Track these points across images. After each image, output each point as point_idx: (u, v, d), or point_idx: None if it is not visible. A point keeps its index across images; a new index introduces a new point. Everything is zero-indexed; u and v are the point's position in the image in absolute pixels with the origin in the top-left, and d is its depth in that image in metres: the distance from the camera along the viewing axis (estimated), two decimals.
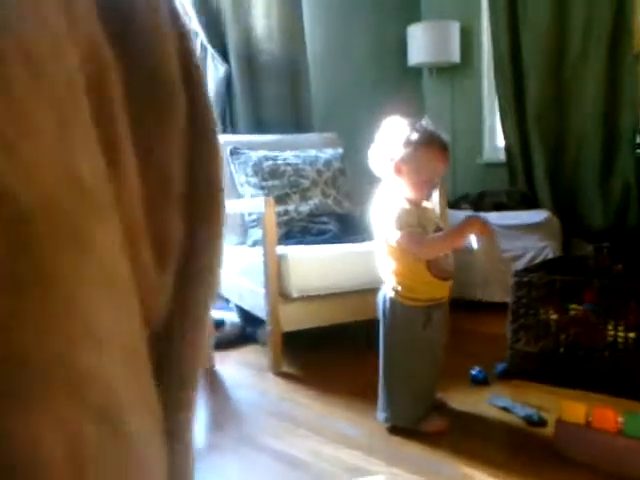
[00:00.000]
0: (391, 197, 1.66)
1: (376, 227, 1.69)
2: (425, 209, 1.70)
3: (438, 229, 1.67)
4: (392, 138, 1.64)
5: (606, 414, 1.44)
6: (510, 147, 3.62)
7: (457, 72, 3.99)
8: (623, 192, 3.24)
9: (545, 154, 3.46)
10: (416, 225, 1.59)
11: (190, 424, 0.45)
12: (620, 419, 1.43)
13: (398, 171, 1.63)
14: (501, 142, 3.80)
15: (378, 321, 1.74)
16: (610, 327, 1.92)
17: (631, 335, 1.88)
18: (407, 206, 1.62)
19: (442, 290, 1.67)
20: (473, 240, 1.60)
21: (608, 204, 3.30)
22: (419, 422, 1.67)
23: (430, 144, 1.61)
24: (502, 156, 3.73)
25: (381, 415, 1.71)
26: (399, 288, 1.65)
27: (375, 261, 1.71)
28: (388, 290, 1.69)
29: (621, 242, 3.03)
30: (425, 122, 1.65)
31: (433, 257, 1.62)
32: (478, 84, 3.96)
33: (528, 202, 3.37)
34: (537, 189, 3.50)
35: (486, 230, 1.58)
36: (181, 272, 0.42)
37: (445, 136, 1.65)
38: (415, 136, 1.61)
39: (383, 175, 1.69)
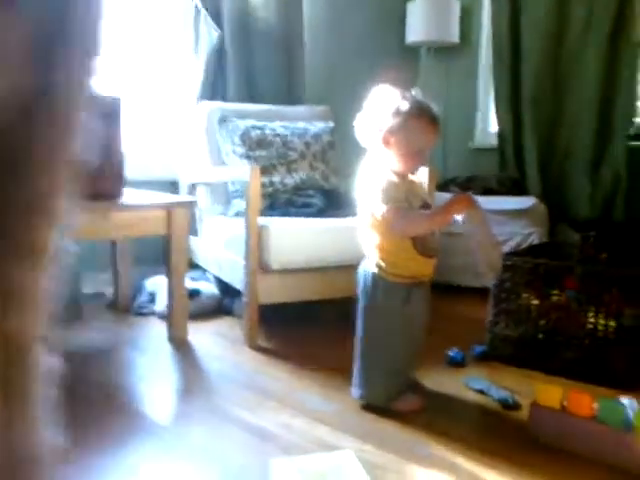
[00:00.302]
0: (377, 169, 1.61)
1: (361, 199, 1.64)
2: (412, 182, 1.66)
3: (425, 205, 1.63)
4: (381, 108, 1.59)
5: (581, 399, 1.42)
6: (503, 131, 3.58)
7: (455, 53, 3.93)
8: (613, 183, 3.21)
9: (537, 140, 3.42)
10: (403, 200, 1.55)
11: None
12: (595, 405, 1.41)
13: (386, 142, 1.58)
14: (494, 127, 3.76)
15: (356, 300, 1.70)
16: (591, 315, 1.90)
17: (611, 324, 1.86)
18: (394, 179, 1.58)
19: (426, 268, 1.63)
20: (460, 219, 1.56)
21: (597, 194, 3.27)
22: (393, 400, 1.65)
23: (420, 115, 1.56)
24: (494, 141, 3.69)
25: (355, 391, 1.68)
26: (382, 264, 1.61)
27: (358, 237, 1.67)
28: (370, 265, 1.65)
29: (607, 233, 3.01)
30: (415, 92, 1.60)
31: (417, 235, 1.58)
32: (475, 66, 3.91)
33: (517, 188, 3.34)
34: (527, 175, 3.46)
35: (474, 209, 1.54)
36: None
37: (435, 107, 1.60)
38: (405, 106, 1.56)
39: (370, 146, 1.64)
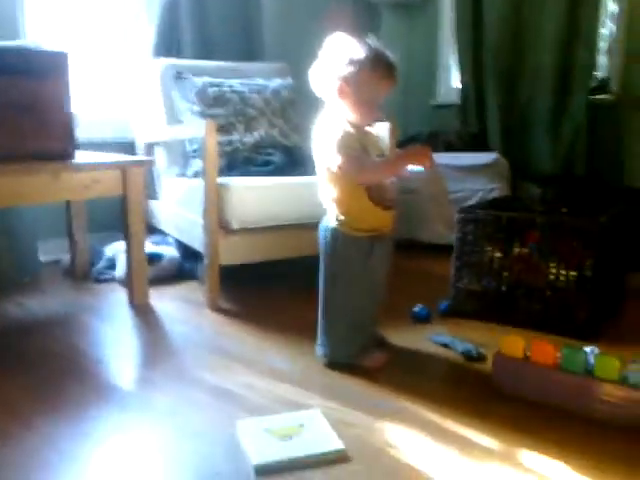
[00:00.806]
0: (333, 120, 1.56)
1: (317, 153, 1.59)
2: (368, 133, 1.62)
3: (382, 156, 1.60)
4: (336, 56, 1.54)
5: (545, 348, 1.43)
6: (464, 87, 3.55)
7: (416, 9, 3.87)
8: (573, 137, 3.22)
9: (498, 96, 3.41)
10: (358, 149, 1.52)
11: None
12: (558, 354, 1.42)
13: (341, 92, 1.53)
14: (455, 84, 3.73)
15: (318, 257, 1.67)
16: (552, 266, 1.91)
17: (572, 274, 1.87)
18: (350, 129, 1.54)
19: (384, 220, 1.60)
20: (414, 170, 1.52)
21: (558, 149, 3.29)
22: (357, 357, 1.63)
23: (376, 63, 1.51)
24: (455, 98, 3.67)
25: (319, 350, 1.67)
26: (341, 217, 1.58)
27: (318, 193, 1.64)
28: (330, 220, 1.62)
29: (568, 187, 3.04)
30: (371, 41, 1.54)
31: (373, 183, 1.55)
32: (436, 22, 3.87)
33: (478, 143, 3.33)
34: (488, 131, 3.46)
35: (428, 161, 1.50)
36: None
37: (392, 55, 1.55)
38: (360, 55, 1.51)
39: (325, 96, 1.59)
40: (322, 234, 1.64)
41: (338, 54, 1.53)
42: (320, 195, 1.65)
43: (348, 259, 1.59)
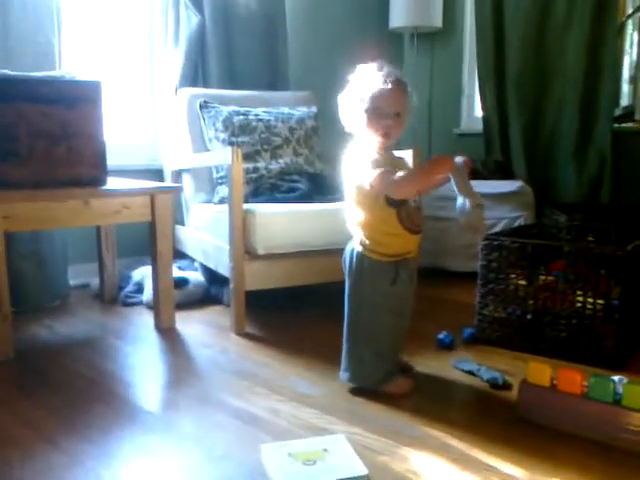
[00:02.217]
0: (362, 148, 1.59)
1: (346, 176, 1.62)
2: (397, 158, 1.65)
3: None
4: (360, 89, 1.57)
5: (572, 376, 1.41)
6: (488, 116, 3.57)
7: (438, 38, 3.92)
8: (598, 166, 3.21)
9: (522, 124, 3.41)
10: (389, 165, 1.54)
11: None
12: (585, 382, 1.40)
13: (360, 118, 1.57)
14: (479, 113, 3.75)
15: (343, 282, 1.68)
16: (579, 294, 1.89)
17: (599, 302, 1.85)
18: (378, 154, 1.57)
19: (411, 245, 1.61)
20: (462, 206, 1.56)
21: (583, 177, 3.28)
22: (381, 383, 1.63)
23: (384, 80, 1.55)
24: (479, 127, 3.68)
25: (343, 375, 1.67)
26: (367, 242, 1.59)
27: (344, 220, 1.65)
28: (356, 244, 1.63)
29: (594, 215, 3.01)
30: (388, 66, 1.60)
31: (409, 195, 1.56)
32: (459, 51, 3.89)
33: (503, 172, 3.33)
34: (513, 159, 3.46)
35: (455, 170, 1.54)
36: None
37: (403, 77, 1.60)
38: (373, 82, 1.56)
39: (352, 128, 1.62)
40: (348, 258, 1.66)
41: (362, 87, 1.57)
42: (347, 220, 1.66)
43: (374, 284, 1.59)
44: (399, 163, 1.63)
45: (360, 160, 1.56)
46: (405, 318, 1.66)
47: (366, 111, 1.56)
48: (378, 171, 1.51)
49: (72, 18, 2.80)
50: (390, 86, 1.55)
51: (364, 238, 1.60)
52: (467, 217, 1.54)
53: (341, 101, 1.63)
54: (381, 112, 1.55)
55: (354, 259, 1.62)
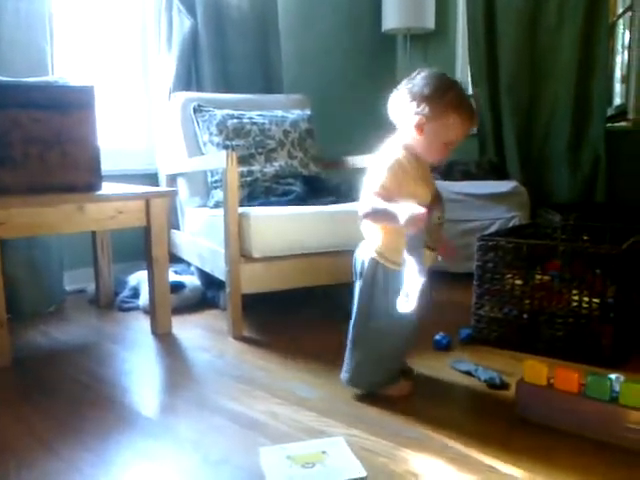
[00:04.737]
0: (398, 147, 1.54)
1: (368, 177, 1.57)
2: (424, 168, 1.58)
3: (435, 196, 1.59)
4: (422, 91, 1.50)
5: (569, 375, 1.42)
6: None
7: (431, 40, 3.93)
8: (592, 165, 3.23)
9: (516, 124, 3.43)
10: (389, 189, 1.48)
11: None
12: (583, 381, 1.41)
13: (419, 126, 1.50)
14: None
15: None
16: (575, 293, 1.90)
17: (595, 301, 1.86)
18: (408, 163, 1.51)
19: (426, 259, 1.55)
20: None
21: (577, 177, 3.29)
22: (381, 387, 1.63)
23: (459, 106, 1.48)
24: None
25: (345, 376, 1.65)
26: (382, 249, 1.55)
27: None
28: (370, 250, 1.58)
29: (589, 214, 3.03)
30: (459, 80, 1.55)
31: (367, 220, 1.54)
32: (452, 53, 3.91)
33: (497, 172, 3.34)
34: (507, 159, 3.48)
35: (419, 225, 1.41)
36: None
37: (472, 102, 1.54)
38: (447, 95, 1.48)
39: (399, 124, 1.57)
40: (359, 262, 1.61)
41: (426, 89, 1.49)
42: (361, 224, 1.62)
43: (386, 292, 1.55)
44: (422, 173, 1.56)
45: (384, 161, 1.52)
46: (413, 327, 1.63)
47: (434, 134, 1.49)
48: (378, 184, 1.48)
49: (64, 23, 2.80)
50: (470, 123, 1.51)
51: (380, 244, 1.55)
52: (415, 286, 1.46)
53: (399, 96, 1.55)
54: (451, 144, 1.52)
55: (365, 264, 1.58)
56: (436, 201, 1.59)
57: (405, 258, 1.46)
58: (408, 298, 1.45)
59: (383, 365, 1.63)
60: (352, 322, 1.64)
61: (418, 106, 1.49)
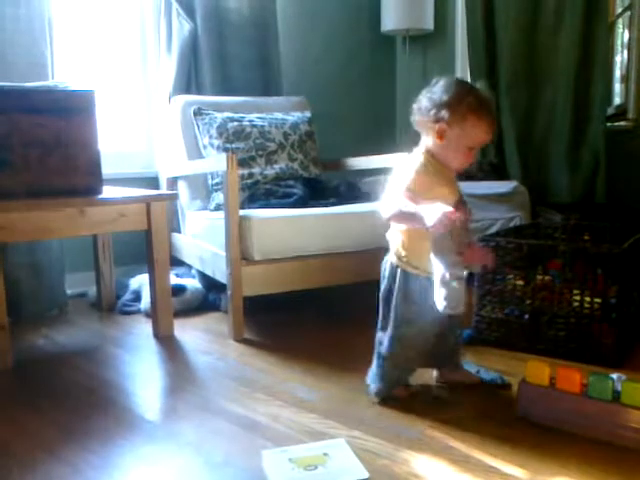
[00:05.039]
0: (423, 154, 1.54)
1: (392, 179, 1.56)
2: (448, 174, 1.56)
3: (460, 200, 1.57)
4: (443, 97, 1.50)
5: (571, 375, 1.42)
6: None
7: (430, 41, 3.93)
8: (592, 165, 3.22)
9: (516, 125, 3.42)
10: (416, 192, 1.47)
11: None
12: (585, 381, 1.41)
13: (441, 133, 1.50)
14: None
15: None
16: (576, 293, 1.90)
17: (597, 301, 1.86)
18: (430, 164, 1.51)
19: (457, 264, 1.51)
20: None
21: (577, 177, 3.29)
22: (393, 389, 1.64)
23: (479, 110, 1.48)
24: None
25: (373, 387, 1.63)
26: (403, 254, 1.55)
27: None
28: (391, 256, 1.58)
29: (589, 214, 3.03)
30: (480, 85, 1.54)
31: (390, 222, 1.54)
32: (451, 54, 3.90)
33: (498, 172, 3.34)
34: (507, 160, 3.47)
35: (448, 226, 1.41)
36: None
37: (493, 104, 1.54)
38: (466, 99, 1.48)
39: (422, 132, 1.57)
40: (383, 269, 1.62)
41: (445, 95, 1.50)
42: (388, 230, 1.62)
43: (403, 297, 1.55)
44: (445, 180, 1.54)
45: (409, 164, 1.52)
46: (433, 331, 1.60)
47: (457, 139, 1.49)
48: (403, 186, 1.48)
49: (64, 28, 2.80)
50: (491, 127, 1.50)
51: (400, 248, 1.55)
52: (446, 289, 1.43)
53: (420, 103, 1.55)
54: (473, 148, 1.52)
55: (387, 271, 1.59)
56: (461, 206, 1.56)
57: (432, 262, 1.46)
58: (446, 302, 1.43)
59: (405, 370, 1.62)
60: (378, 329, 1.62)
61: (438, 113, 1.50)
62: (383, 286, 1.61)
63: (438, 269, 1.45)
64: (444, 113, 1.49)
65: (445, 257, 1.44)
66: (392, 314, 1.57)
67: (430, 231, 1.42)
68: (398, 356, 1.59)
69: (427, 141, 1.56)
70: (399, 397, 1.63)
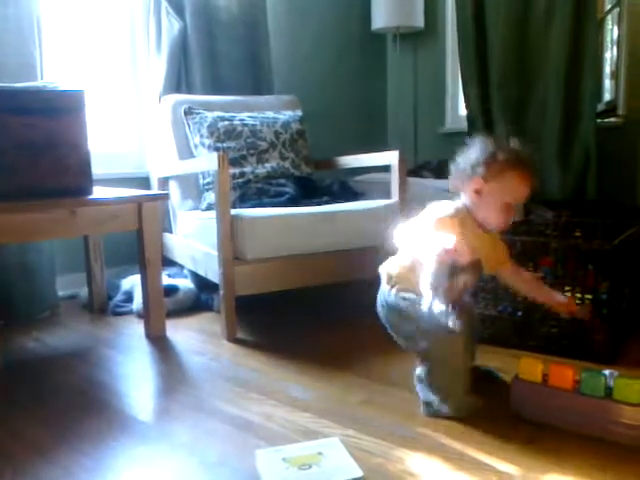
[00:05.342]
0: (455, 204, 1.54)
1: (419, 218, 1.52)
2: (480, 233, 1.55)
3: (475, 263, 1.53)
4: (479, 155, 1.50)
5: (563, 372, 1.42)
6: (472, 115, 3.58)
7: (421, 38, 3.94)
8: (583, 162, 3.23)
9: (506, 122, 3.43)
10: (457, 229, 1.44)
11: None
12: (578, 377, 1.41)
13: (477, 190, 1.50)
14: (463, 112, 3.76)
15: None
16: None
17: (588, 297, 1.87)
18: (461, 215, 1.50)
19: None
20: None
21: (568, 174, 3.30)
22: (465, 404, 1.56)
23: (517, 164, 1.48)
24: (464, 125, 3.69)
25: (424, 410, 1.55)
26: (396, 280, 1.57)
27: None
28: (384, 288, 1.60)
29: (580, 211, 3.04)
30: (513, 142, 1.53)
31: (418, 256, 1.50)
32: (442, 51, 3.91)
33: None
34: None
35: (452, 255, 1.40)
36: None
37: (531, 158, 1.53)
38: (502, 155, 1.48)
39: (459, 191, 1.56)
40: (379, 310, 1.62)
41: (480, 152, 1.50)
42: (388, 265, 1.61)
43: (405, 318, 1.56)
44: (477, 239, 1.52)
45: (438, 209, 1.50)
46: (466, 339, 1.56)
47: (494, 196, 1.49)
48: (425, 222, 1.46)
49: (53, 28, 2.78)
50: (529, 182, 1.50)
51: (394, 277, 1.57)
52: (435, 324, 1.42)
53: (458, 163, 1.55)
54: (512, 205, 1.51)
55: (381, 307, 1.61)
56: (473, 269, 1.56)
57: (424, 292, 1.46)
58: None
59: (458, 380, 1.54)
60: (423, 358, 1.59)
61: (474, 169, 1.49)
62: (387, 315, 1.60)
63: (427, 301, 1.45)
64: (480, 169, 1.48)
65: (439, 293, 1.43)
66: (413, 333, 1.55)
67: (427, 261, 1.43)
68: (449, 364, 1.53)
69: (465, 200, 1.55)
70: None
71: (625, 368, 1.70)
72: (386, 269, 1.62)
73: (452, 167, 1.57)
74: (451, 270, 1.47)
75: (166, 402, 1.69)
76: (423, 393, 1.56)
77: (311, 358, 1.95)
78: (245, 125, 2.68)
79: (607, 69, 3.37)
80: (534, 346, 1.95)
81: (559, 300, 1.61)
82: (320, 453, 1.30)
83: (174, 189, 2.79)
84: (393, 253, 1.60)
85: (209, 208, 2.51)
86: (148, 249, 2.17)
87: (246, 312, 2.36)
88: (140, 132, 3.11)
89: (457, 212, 1.52)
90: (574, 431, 1.39)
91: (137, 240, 2.19)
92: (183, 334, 2.28)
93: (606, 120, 3.23)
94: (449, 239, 1.35)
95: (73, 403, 1.67)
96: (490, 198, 1.50)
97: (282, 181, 2.59)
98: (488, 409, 1.55)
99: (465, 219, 1.52)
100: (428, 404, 1.54)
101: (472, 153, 1.52)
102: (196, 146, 2.66)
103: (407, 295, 1.55)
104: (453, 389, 1.51)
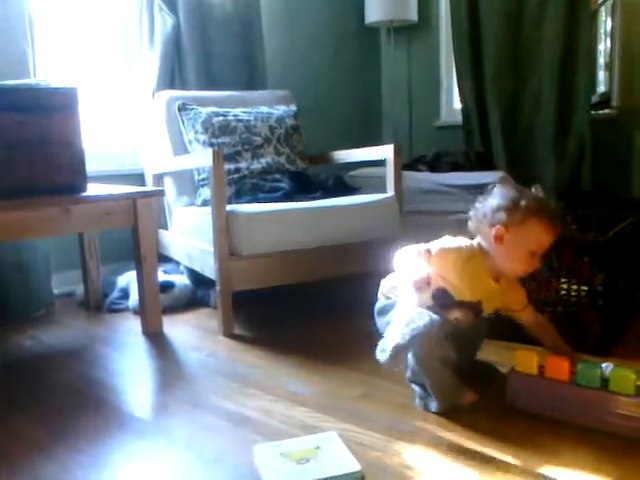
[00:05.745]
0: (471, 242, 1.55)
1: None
2: (490, 284, 1.56)
3: (476, 307, 1.57)
4: (500, 201, 1.49)
5: (559, 364, 1.42)
6: (466, 108, 3.58)
7: (415, 32, 3.93)
8: (577, 154, 3.24)
9: (501, 114, 3.43)
10: (434, 264, 1.47)
11: None
12: (574, 369, 1.42)
13: (499, 238, 1.48)
14: (458, 104, 3.76)
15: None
16: (563, 281, 1.91)
17: (584, 289, 1.87)
18: (472, 252, 1.52)
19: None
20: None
21: (563, 165, 3.30)
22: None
23: (540, 212, 1.46)
24: (458, 119, 3.70)
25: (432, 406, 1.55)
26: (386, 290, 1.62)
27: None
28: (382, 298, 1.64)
29: (576, 203, 3.04)
30: (535, 189, 1.51)
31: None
32: (436, 45, 3.91)
33: (484, 162, 3.35)
34: (493, 150, 3.48)
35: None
36: None
37: (554, 207, 1.51)
38: (524, 201, 1.46)
39: (481, 238, 1.55)
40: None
41: (502, 200, 1.49)
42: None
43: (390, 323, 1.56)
44: (487, 287, 1.55)
45: (454, 244, 1.52)
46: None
47: (516, 243, 1.48)
48: (430, 250, 1.49)
49: (45, 25, 2.77)
50: (552, 230, 1.48)
51: (386, 285, 1.61)
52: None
53: (477, 212, 1.54)
54: (534, 253, 1.49)
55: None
56: (470, 309, 1.57)
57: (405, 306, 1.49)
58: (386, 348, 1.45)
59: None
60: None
61: (495, 216, 1.48)
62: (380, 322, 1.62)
63: (402, 316, 1.47)
64: (501, 215, 1.47)
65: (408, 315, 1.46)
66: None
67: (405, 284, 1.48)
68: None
69: (484, 243, 1.54)
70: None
71: (620, 359, 1.70)
72: (383, 283, 1.65)
73: (472, 212, 1.56)
74: (445, 303, 1.52)
75: (163, 398, 1.69)
76: (415, 388, 1.58)
77: (308, 353, 1.95)
78: (239, 120, 2.67)
79: (601, 61, 3.37)
80: (530, 338, 1.95)
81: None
82: (318, 447, 1.30)
83: (169, 185, 2.79)
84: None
85: (204, 204, 2.51)
86: (143, 246, 2.16)
87: (243, 307, 2.36)
88: (134, 129, 3.10)
89: (465, 250, 1.52)
90: (570, 422, 1.39)
91: (132, 237, 2.18)
92: (180, 330, 2.27)
93: (600, 112, 3.24)
94: (421, 270, 1.41)
95: (70, 400, 1.67)
96: (512, 245, 1.48)
97: (277, 176, 2.59)
98: (485, 402, 1.55)
99: (472, 259, 1.52)
100: (421, 398, 1.55)
101: (493, 199, 1.51)
102: (190, 142, 2.65)
103: (391, 296, 1.60)
104: (434, 386, 1.51)
